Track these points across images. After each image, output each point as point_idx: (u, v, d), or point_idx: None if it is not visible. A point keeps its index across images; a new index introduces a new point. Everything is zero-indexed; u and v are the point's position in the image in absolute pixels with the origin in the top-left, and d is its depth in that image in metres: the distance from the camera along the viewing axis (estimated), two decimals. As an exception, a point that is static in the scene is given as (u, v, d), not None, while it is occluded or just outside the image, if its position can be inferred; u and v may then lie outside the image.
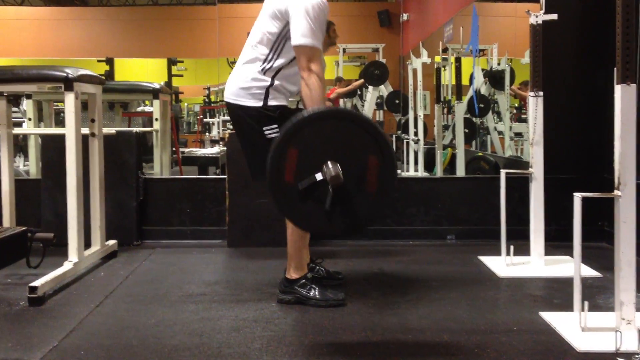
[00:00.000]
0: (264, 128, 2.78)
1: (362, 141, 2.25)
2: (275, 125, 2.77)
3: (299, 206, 2.27)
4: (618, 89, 2.37)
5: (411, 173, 7.54)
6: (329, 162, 2.22)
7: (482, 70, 7.64)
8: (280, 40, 2.78)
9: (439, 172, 6.63)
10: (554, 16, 3.38)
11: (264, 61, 2.80)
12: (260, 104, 2.79)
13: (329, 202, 2.22)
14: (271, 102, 2.80)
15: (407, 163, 7.79)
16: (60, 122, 6.78)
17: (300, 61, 2.67)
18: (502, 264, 3.51)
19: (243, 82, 2.84)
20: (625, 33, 2.34)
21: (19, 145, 6.74)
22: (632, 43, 2.34)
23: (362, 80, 9.10)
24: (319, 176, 2.23)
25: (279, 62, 2.80)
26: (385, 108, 9.97)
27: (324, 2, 2.71)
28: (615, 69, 2.38)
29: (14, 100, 3.82)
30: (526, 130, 3.81)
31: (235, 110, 2.88)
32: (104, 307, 2.90)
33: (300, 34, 2.64)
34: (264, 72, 2.80)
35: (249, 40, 2.90)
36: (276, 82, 2.80)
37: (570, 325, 2.50)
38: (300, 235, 2.90)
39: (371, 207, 2.28)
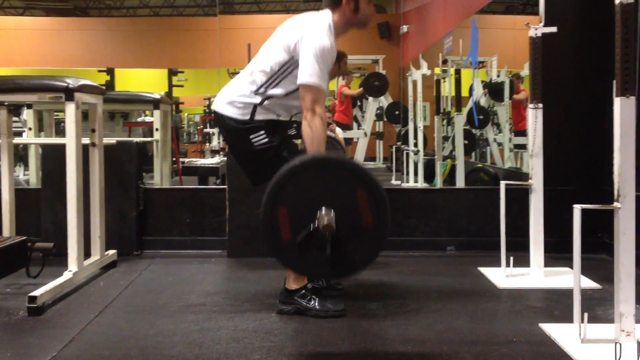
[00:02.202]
0: (251, 137, 2.81)
1: (345, 180, 2.28)
2: (262, 132, 2.81)
3: (303, 258, 2.29)
4: (617, 102, 2.38)
5: (411, 184, 7.54)
6: (323, 208, 2.25)
7: (482, 82, 7.66)
8: (282, 72, 2.80)
9: (438, 183, 6.63)
10: (554, 29, 3.40)
11: (260, 86, 2.83)
12: (248, 117, 2.82)
13: (329, 249, 2.23)
14: (258, 117, 2.83)
15: (407, 174, 7.79)
16: (61, 132, 6.79)
17: (305, 100, 2.68)
18: (502, 275, 3.51)
19: (232, 96, 2.87)
20: (624, 46, 2.35)
21: (19, 155, 6.74)
22: (631, 55, 2.35)
23: (362, 89, 9.24)
24: (314, 224, 2.25)
25: (275, 91, 2.82)
26: (385, 119, 10.00)
27: (333, 46, 2.75)
28: (614, 81, 2.39)
29: (15, 110, 3.83)
30: (526, 142, 3.84)
31: (221, 120, 2.90)
32: (103, 317, 2.90)
33: (308, 74, 2.67)
34: (255, 93, 2.83)
35: (251, 63, 2.92)
36: (266, 103, 2.83)
37: (570, 336, 2.49)
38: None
39: (371, 240, 2.29)
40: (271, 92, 2.82)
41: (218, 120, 2.95)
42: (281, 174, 2.27)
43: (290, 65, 2.79)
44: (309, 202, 2.25)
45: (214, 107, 2.96)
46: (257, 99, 2.82)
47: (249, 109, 2.82)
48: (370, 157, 11.43)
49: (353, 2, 2.83)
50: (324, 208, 2.23)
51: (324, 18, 2.81)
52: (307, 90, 2.68)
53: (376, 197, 2.25)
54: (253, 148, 2.81)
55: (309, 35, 2.72)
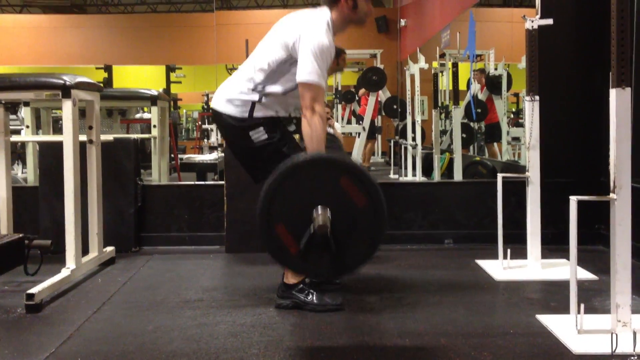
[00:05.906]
0: (251, 133, 2.80)
1: (325, 174, 2.30)
2: (262, 129, 2.80)
3: (314, 261, 2.30)
4: (613, 93, 2.39)
5: (409, 178, 7.54)
6: (318, 207, 2.26)
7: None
8: (280, 70, 2.79)
9: (436, 176, 6.64)
10: (550, 21, 3.40)
11: (258, 83, 2.81)
12: (246, 115, 2.81)
13: (333, 245, 2.25)
14: (257, 114, 2.81)
15: (405, 168, 7.79)
16: (58, 130, 6.79)
17: (304, 99, 2.67)
18: (499, 268, 3.51)
19: (230, 94, 2.86)
20: (620, 37, 2.35)
21: (17, 153, 6.74)
22: (626, 47, 2.35)
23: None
24: (313, 227, 2.26)
25: (273, 88, 2.81)
26: (384, 113, 10.00)
27: (331, 43, 2.74)
28: (610, 72, 2.39)
29: (12, 107, 3.82)
30: (523, 135, 3.82)
31: (220, 118, 2.90)
32: (101, 313, 2.90)
33: (307, 72, 2.66)
34: (254, 90, 2.82)
35: (250, 59, 2.91)
36: (264, 100, 2.81)
37: (567, 327, 2.50)
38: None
39: (374, 219, 2.28)
40: (269, 89, 2.81)
41: (217, 118, 2.95)
42: (263, 193, 2.28)
43: (288, 63, 2.78)
44: (301, 208, 2.27)
45: (212, 105, 2.95)
46: (255, 97, 2.81)
47: (247, 106, 2.81)
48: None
49: (351, 0, 2.82)
50: (319, 207, 2.25)
51: (323, 15, 2.81)
52: (307, 88, 2.67)
53: (359, 177, 2.26)
54: (253, 145, 2.81)
55: (308, 33, 2.71)
